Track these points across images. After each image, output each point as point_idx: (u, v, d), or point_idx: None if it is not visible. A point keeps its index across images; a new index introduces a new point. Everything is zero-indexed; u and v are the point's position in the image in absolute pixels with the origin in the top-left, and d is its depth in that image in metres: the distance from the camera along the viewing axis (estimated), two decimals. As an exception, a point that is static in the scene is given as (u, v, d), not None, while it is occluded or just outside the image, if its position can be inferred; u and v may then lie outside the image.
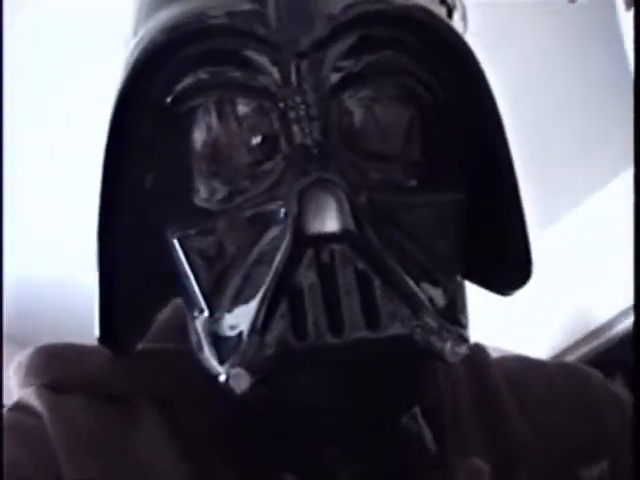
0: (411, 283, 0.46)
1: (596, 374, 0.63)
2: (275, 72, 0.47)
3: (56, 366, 0.53)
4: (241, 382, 0.44)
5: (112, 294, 0.51)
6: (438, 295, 0.47)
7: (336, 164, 0.45)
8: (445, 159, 0.50)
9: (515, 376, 0.60)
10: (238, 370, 0.44)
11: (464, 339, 0.46)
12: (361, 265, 0.45)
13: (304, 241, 0.44)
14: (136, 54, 0.48)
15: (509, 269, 0.52)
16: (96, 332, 0.50)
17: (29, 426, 0.50)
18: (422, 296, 0.46)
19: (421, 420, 0.52)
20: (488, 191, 0.51)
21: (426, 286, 0.46)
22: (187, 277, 0.48)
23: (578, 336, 2.07)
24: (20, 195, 1.93)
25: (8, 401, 0.54)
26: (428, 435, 0.52)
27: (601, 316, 2.10)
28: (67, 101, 1.76)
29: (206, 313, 0.47)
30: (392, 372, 0.48)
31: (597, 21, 1.65)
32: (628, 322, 2.06)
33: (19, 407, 0.52)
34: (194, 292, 0.47)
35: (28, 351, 0.54)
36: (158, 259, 0.49)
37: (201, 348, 0.48)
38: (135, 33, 0.51)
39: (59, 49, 1.65)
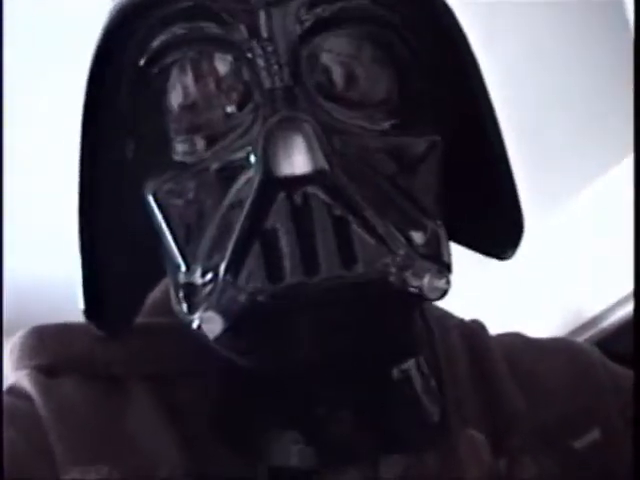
0: (385, 223, 0.45)
1: (591, 349, 0.64)
2: (245, 23, 0.47)
3: (49, 348, 0.53)
4: (214, 326, 0.43)
5: (99, 273, 0.50)
6: (416, 235, 0.46)
7: (306, 106, 0.45)
8: (419, 106, 0.50)
9: (511, 350, 0.60)
10: (210, 314, 0.43)
11: (443, 274, 0.45)
12: (334, 206, 0.44)
13: (275, 183, 0.44)
14: (106, 21, 0.49)
15: (501, 230, 0.52)
16: (80, 306, 0.49)
17: (22, 410, 0.50)
18: (397, 235, 0.45)
19: (420, 384, 0.52)
20: (475, 150, 0.51)
21: (402, 226, 0.46)
22: (163, 233, 0.47)
23: (571, 328, 2.07)
24: (18, 195, 1.93)
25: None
26: (429, 402, 0.52)
27: (594, 308, 2.10)
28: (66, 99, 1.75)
29: (183, 267, 0.47)
30: (370, 314, 0.46)
31: (598, 6, 1.65)
32: (621, 314, 2.06)
33: (12, 391, 0.52)
34: (171, 248, 0.47)
35: (21, 333, 0.54)
36: (146, 233, 0.49)
37: (178, 303, 0.47)
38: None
39: (55, 46, 1.65)
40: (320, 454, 0.49)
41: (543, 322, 2.03)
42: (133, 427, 0.50)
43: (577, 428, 0.56)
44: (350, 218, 0.44)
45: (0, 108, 1.48)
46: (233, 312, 0.43)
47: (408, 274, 0.44)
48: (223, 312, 0.43)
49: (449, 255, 0.48)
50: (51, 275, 2.28)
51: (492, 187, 0.52)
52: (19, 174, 1.92)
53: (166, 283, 0.53)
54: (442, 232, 0.48)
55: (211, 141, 0.47)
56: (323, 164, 0.44)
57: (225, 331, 0.44)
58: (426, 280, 0.44)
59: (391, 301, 0.46)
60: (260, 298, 0.43)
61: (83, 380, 0.51)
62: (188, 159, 0.48)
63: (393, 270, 0.44)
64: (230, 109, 0.47)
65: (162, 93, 0.48)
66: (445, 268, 0.46)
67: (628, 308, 1.99)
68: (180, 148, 0.48)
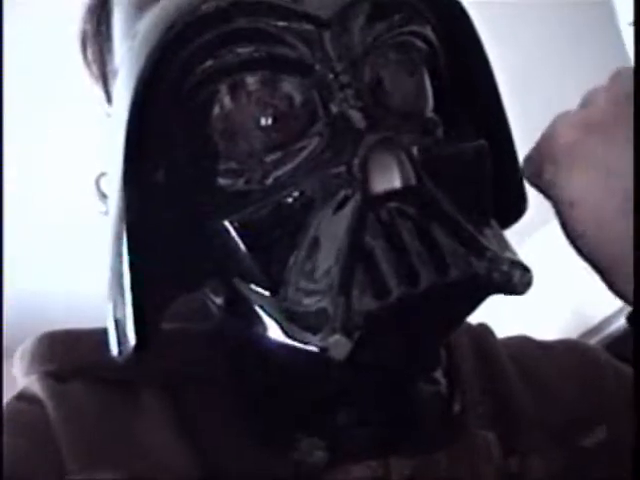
0: (470, 227, 0.46)
1: (598, 348, 0.64)
2: (300, 45, 0.46)
3: (59, 353, 0.53)
4: (342, 349, 0.43)
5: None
6: (491, 236, 0.48)
7: (383, 125, 0.46)
8: (454, 111, 0.52)
9: (519, 352, 0.61)
10: (337, 337, 0.43)
11: (527, 269, 0.46)
12: (423, 216, 0.45)
13: (372, 201, 0.44)
14: (146, 48, 0.47)
15: (504, 205, 0.53)
16: (131, 341, 0.47)
17: (32, 415, 0.50)
18: (481, 238, 0.47)
19: (443, 386, 0.53)
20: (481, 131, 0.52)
21: (480, 229, 0.47)
22: (244, 259, 0.46)
23: (578, 333, 2.07)
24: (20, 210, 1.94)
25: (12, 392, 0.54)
26: (441, 401, 0.53)
27: (597, 315, 2.10)
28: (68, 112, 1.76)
29: (266, 292, 0.46)
30: (464, 316, 0.49)
31: (592, 7, 1.65)
32: (621, 322, 2.06)
33: (23, 396, 0.52)
34: (256, 274, 0.46)
35: (31, 339, 0.54)
36: (166, 250, 0.48)
37: (267, 329, 0.46)
38: (129, 32, 0.50)
39: (56, 51, 1.65)
40: (331, 451, 0.50)
41: (550, 327, 2.03)
42: (142, 432, 0.50)
43: (585, 427, 0.57)
44: (435, 226, 0.45)
45: (0, 114, 1.49)
46: (354, 333, 0.44)
47: (500, 272, 0.46)
48: (348, 334, 0.44)
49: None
50: (52, 292, 2.29)
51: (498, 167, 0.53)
52: (22, 186, 1.93)
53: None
54: (502, 231, 0.50)
55: (276, 163, 0.46)
56: (414, 181, 0.45)
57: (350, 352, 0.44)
58: (517, 276, 0.46)
59: (479, 301, 0.48)
60: (375, 315, 0.44)
61: (93, 385, 0.52)
62: (255, 185, 0.46)
63: (484, 270, 0.45)
64: (294, 130, 0.47)
65: (208, 118, 0.47)
66: (523, 262, 0.47)
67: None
68: (230, 175, 0.47)
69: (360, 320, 0.44)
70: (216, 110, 0.47)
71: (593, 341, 2.06)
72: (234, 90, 0.47)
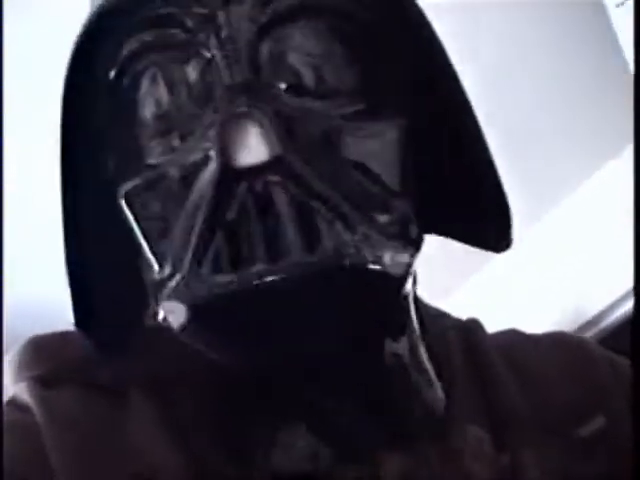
0: (346, 205, 0.45)
1: (588, 339, 0.64)
2: (205, 26, 0.48)
3: (46, 358, 0.53)
4: (178, 316, 0.43)
5: (91, 289, 0.51)
6: (380, 215, 0.46)
7: (263, 97, 0.46)
8: (384, 95, 0.50)
9: (508, 346, 0.60)
10: (173, 303, 0.44)
11: (406, 249, 0.45)
12: (295, 190, 0.44)
13: (233, 173, 0.44)
14: (75, 39, 0.49)
15: (491, 222, 0.53)
16: (71, 318, 0.50)
17: (21, 422, 0.50)
18: (358, 215, 0.45)
19: (419, 378, 0.52)
20: (454, 142, 0.51)
21: (366, 207, 0.46)
22: (136, 236, 0.48)
23: (570, 329, 2.07)
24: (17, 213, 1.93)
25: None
26: (430, 397, 0.53)
27: (592, 309, 2.10)
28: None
29: (155, 267, 0.47)
30: (335, 295, 0.46)
31: (583, 11, 1.65)
32: (619, 314, 2.06)
33: (11, 403, 0.52)
34: (144, 250, 0.47)
35: (19, 345, 0.54)
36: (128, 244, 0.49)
37: (151, 300, 0.47)
38: None
39: (57, 50, 1.65)
40: (320, 454, 0.49)
41: (545, 322, 2.03)
42: (132, 435, 0.50)
43: (581, 416, 0.56)
44: (311, 202, 0.44)
45: (0, 116, 1.49)
46: (197, 302, 0.44)
47: (367, 251, 0.44)
48: (187, 302, 0.44)
49: (418, 234, 0.48)
50: (48, 295, 2.28)
51: (476, 179, 0.52)
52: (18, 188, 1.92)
53: None
54: (411, 212, 0.48)
55: (177, 141, 0.48)
56: (278, 150, 0.44)
57: (190, 322, 0.44)
58: (387, 256, 0.45)
59: (356, 279, 0.45)
60: (223, 288, 0.44)
61: (81, 389, 0.51)
62: (156, 162, 0.48)
63: (351, 249, 0.44)
64: (194, 111, 0.48)
65: (135, 103, 0.49)
66: (409, 244, 0.46)
67: (627, 306, 1.99)
68: (151, 154, 0.48)
69: (206, 290, 0.43)
70: (137, 95, 0.49)
71: (588, 335, 2.06)
72: (147, 74, 0.48)
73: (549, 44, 1.78)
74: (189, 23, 0.48)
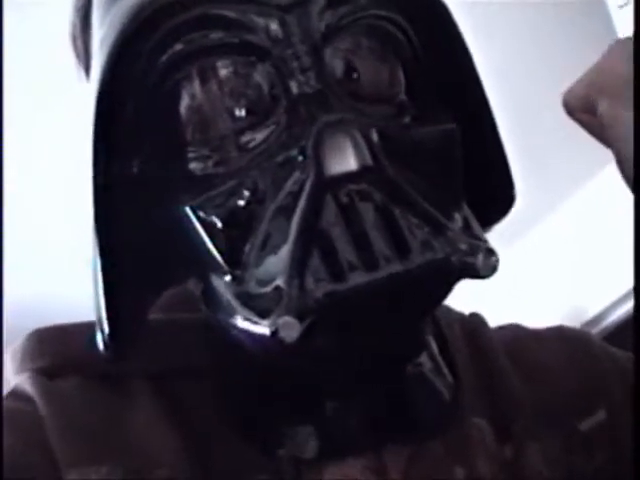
0: (432, 209, 0.46)
1: (590, 333, 0.65)
2: (261, 28, 0.47)
3: (49, 350, 0.52)
4: (292, 331, 0.43)
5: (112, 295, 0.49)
6: (458, 219, 0.47)
7: (340, 107, 0.46)
8: (428, 96, 0.51)
9: (511, 340, 0.60)
10: (287, 319, 0.43)
11: (492, 251, 0.46)
12: (382, 199, 0.44)
13: (326, 183, 0.44)
14: (113, 37, 0.47)
15: (493, 198, 0.53)
16: (105, 329, 0.48)
17: (23, 412, 0.50)
18: (444, 220, 0.46)
19: (430, 373, 0.52)
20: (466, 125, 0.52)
21: (443, 212, 0.46)
22: (204, 244, 0.46)
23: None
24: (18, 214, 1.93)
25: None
26: (436, 391, 0.52)
27: (593, 308, 2.11)
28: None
29: (228, 277, 0.46)
30: (429, 301, 0.48)
31: (586, 11, 1.66)
32: (617, 315, 2.07)
33: (14, 394, 0.52)
34: (214, 258, 0.46)
35: (22, 338, 0.53)
36: (151, 244, 0.48)
37: (232, 313, 0.46)
38: (103, 22, 0.51)
39: (58, 50, 1.65)
40: (324, 444, 0.49)
41: (547, 320, 2.03)
42: (135, 427, 0.50)
43: (582, 410, 0.57)
44: (397, 207, 0.45)
45: (0, 118, 1.49)
46: (306, 315, 0.43)
47: (466, 256, 0.45)
48: (298, 315, 0.43)
49: (485, 237, 0.48)
50: (53, 294, 2.28)
51: (483, 161, 0.53)
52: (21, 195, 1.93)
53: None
54: (472, 215, 0.49)
55: (238, 147, 0.47)
56: (370, 161, 0.44)
57: (301, 334, 0.43)
58: (480, 258, 0.45)
59: (443, 282, 0.47)
60: (329, 298, 0.43)
61: (84, 381, 0.51)
62: (218, 169, 0.47)
63: (447, 250, 0.45)
64: (257, 115, 0.47)
65: (175, 107, 0.48)
66: (491, 246, 0.47)
67: (627, 306, 1.99)
68: (204, 158, 0.47)
69: (313, 303, 0.43)
70: (185, 96, 0.47)
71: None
72: (203, 75, 0.47)
73: (550, 44, 1.78)
74: (251, 26, 0.47)
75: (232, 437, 0.50)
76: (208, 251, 0.46)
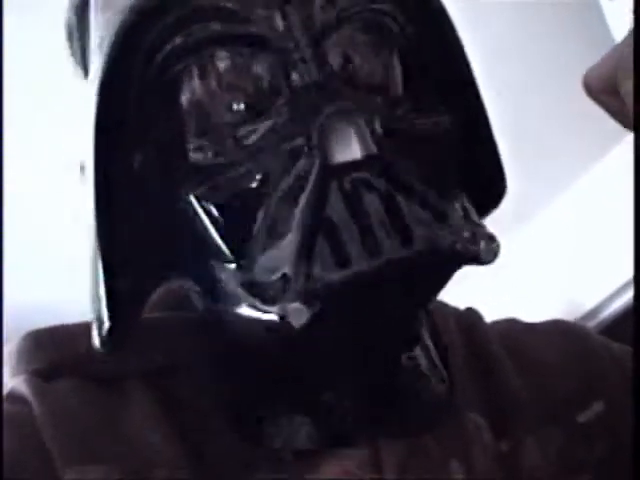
0: (434, 197, 0.46)
1: (585, 326, 0.64)
2: (262, 19, 0.47)
3: (45, 351, 0.53)
4: (301, 317, 0.44)
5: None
6: (458, 207, 0.48)
7: (342, 98, 0.46)
8: (424, 87, 0.52)
9: (508, 335, 0.61)
10: (295, 305, 0.44)
11: (493, 238, 0.46)
12: (386, 187, 0.45)
13: (332, 171, 0.44)
14: (113, 32, 0.48)
15: (484, 189, 0.54)
16: (106, 324, 0.48)
17: (19, 414, 0.50)
18: (446, 208, 0.46)
19: (425, 367, 0.52)
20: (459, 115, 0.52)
21: (444, 200, 0.47)
22: (208, 233, 0.47)
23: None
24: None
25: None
26: (433, 385, 0.53)
27: (590, 301, 2.10)
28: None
29: (232, 265, 0.47)
30: (428, 289, 0.48)
31: (578, 4, 1.66)
32: (613, 308, 2.07)
33: (10, 397, 0.52)
34: (219, 247, 0.47)
35: (17, 339, 0.54)
36: (152, 238, 0.49)
37: (237, 302, 0.47)
38: (103, 17, 0.51)
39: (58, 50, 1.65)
40: (321, 437, 0.50)
41: (543, 314, 2.03)
42: (132, 426, 0.50)
43: (580, 402, 0.57)
44: (400, 195, 0.45)
45: (0, 118, 1.49)
46: (314, 302, 0.44)
47: (465, 242, 0.45)
48: (307, 302, 0.44)
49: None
50: (36, 301, 2.28)
51: (475, 152, 0.54)
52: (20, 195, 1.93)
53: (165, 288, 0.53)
54: (470, 203, 0.49)
55: (242, 136, 0.47)
56: (374, 149, 0.44)
57: (310, 321, 0.44)
58: (482, 245, 0.45)
59: (445, 269, 0.47)
60: (336, 285, 0.44)
61: (80, 381, 0.51)
62: (220, 159, 0.47)
63: (448, 240, 0.45)
64: (259, 104, 0.47)
65: (176, 99, 0.48)
66: (491, 232, 0.47)
67: (625, 298, 1.99)
68: (206, 148, 0.47)
69: (320, 289, 0.44)
70: (185, 88, 0.48)
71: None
72: (202, 68, 0.47)
73: (542, 38, 1.78)
74: (251, 17, 0.47)
75: (229, 434, 0.50)
76: (212, 240, 0.47)
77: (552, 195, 2.19)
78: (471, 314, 0.62)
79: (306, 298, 0.44)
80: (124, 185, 0.49)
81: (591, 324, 2.10)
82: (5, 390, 0.53)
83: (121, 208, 0.49)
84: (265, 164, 0.46)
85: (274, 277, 0.45)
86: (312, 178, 0.45)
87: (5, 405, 0.51)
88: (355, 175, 0.44)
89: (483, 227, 0.47)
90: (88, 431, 0.49)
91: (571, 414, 0.56)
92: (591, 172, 2.11)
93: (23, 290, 2.14)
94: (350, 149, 0.44)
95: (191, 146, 0.48)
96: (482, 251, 0.45)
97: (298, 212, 0.45)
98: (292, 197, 0.45)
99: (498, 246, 0.46)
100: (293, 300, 0.44)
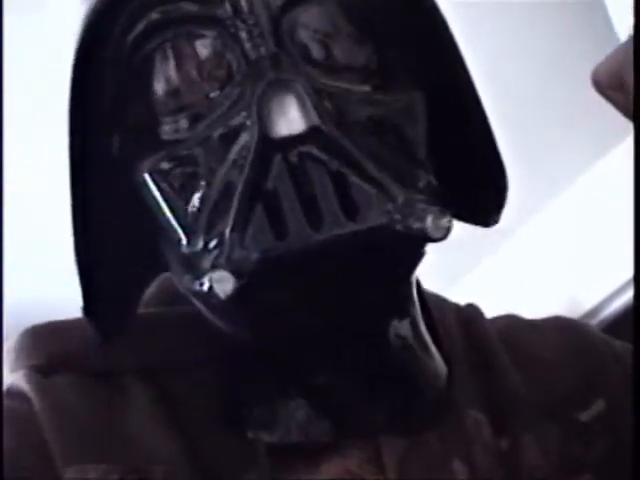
0: (382, 172, 0.46)
1: (586, 323, 0.64)
2: (225, 1, 0.48)
3: (44, 347, 0.53)
4: (225, 285, 0.43)
5: (95, 276, 0.50)
6: (412, 183, 0.47)
7: (293, 69, 0.46)
8: (397, 72, 0.51)
9: (507, 331, 0.60)
10: (220, 273, 0.44)
11: (444, 213, 0.46)
12: (332, 161, 0.45)
13: (272, 143, 0.44)
14: (85, 18, 0.49)
15: (485, 196, 0.53)
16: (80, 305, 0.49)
17: (18, 411, 0.50)
18: (395, 183, 0.46)
19: (422, 360, 0.52)
20: (456, 118, 0.52)
21: (398, 176, 0.46)
22: (161, 211, 0.47)
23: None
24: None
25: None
26: (431, 380, 0.53)
27: (590, 300, 2.10)
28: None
29: (184, 240, 0.47)
30: (376, 262, 0.47)
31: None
32: (614, 307, 2.06)
33: (9, 392, 0.52)
34: (170, 224, 0.47)
35: (17, 335, 0.54)
36: (138, 225, 0.49)
37: (181, 279, 0.47)
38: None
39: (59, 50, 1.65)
40: (321, 432, 0.50)
41: (544, 313, 2.03)
42: (131, 423, 0.50)
43: (581, 400, 0.57)
44: (347, 171, 0.45)
45: (0, 118, 1.48)
46: (244, 270, 0.44)
47: (410, 217, 0.45)
48: (234, 270, 0.44)
49: (446, 199, 0.48)
50: (49, 293, 2.28)
51: (475, 153, 0.53)
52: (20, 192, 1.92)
53: (160, 279, 0.53)
54: (434, 183, 0.49)
55: (200, 117, 0.47)
56: (317, 121, 0.44)
57: (237, 290, 0.44)
58: (429, 221, 0.45)
59: (397, 247, 0.46)
60: (269, 255, 0.44)
61: (79, 377, 0.51)
62: (178, 136, 0.48)
63: (395, 216, 0.45)
64: (217, 85, 0.48)
65: (147, 80, 0.48)
66: (446, 208, 0.46)
67: (625, 298, 1.99)
68: (167, 129, 0.48)
69: (251, 258, 0.43)
70: (156, 67, 0.48)
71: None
72: (161, 51, 0.48)
73: (547, 33, 1.78)
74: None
75: (225, 430, 0.50)
76: (166, 218, 0.47)
77: (553, 193, 2.18)
78: (471, 310, 0.62)
79: (232, 267, 0.43)
80: (103, 167, 0.50)
81: (592, 323, 2.10)
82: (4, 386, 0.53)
83: (101, 190, 0.50)
84: (213, 140, 0.46)
85: (210, 247, 0.45)
86: (251, 149, 0.45)
87: (5, 401, 0.51)
88: (302, 149, 0.44)
89: (437, 203, 0.46)
90: (88, 429, 0.49)
91: (569, 412, 0.56)
92: (593, 171, 2.10)
93: (23, 290, 2.14)
94: (290, 121, 0.44)
95: (162, 125, 0.48)
96: (429, 228, 0.45)
97: (238, 185, 0.45)
98: (236, 172, 0.45)
99: (449, 221, 0.46)
100: (220, 268, 0.44)
